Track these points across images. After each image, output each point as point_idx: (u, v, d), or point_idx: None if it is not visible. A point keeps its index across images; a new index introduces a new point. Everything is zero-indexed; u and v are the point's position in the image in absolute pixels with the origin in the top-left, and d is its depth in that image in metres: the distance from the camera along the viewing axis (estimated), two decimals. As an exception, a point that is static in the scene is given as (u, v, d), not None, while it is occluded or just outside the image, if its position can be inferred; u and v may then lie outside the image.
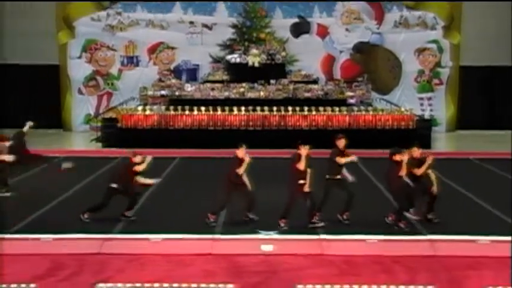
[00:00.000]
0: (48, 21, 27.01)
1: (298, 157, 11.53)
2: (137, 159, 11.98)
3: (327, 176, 12.06)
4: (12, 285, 6.80)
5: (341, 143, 12.18)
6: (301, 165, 11.46)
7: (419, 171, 11.92)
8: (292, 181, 11.68)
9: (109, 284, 7.05)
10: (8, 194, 13.97)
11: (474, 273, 9.52)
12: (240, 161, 11.82)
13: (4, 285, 6.81)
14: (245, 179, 11.91)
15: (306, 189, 11.55)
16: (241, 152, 11.86)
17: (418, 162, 12.04)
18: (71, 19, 27.47)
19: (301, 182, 11.51)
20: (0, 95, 27.95)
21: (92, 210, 11.99)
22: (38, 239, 10.90)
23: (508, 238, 10.93)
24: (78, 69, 27.71)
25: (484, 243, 10.87)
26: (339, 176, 12.04)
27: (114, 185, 11.91)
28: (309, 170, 11.53)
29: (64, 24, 27.40)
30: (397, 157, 11.66)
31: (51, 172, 17.34)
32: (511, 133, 24.67)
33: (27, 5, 27.26)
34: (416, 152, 12.19)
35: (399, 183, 11.67)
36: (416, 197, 12.06)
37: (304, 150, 11.51)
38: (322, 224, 11.73)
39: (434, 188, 12.01)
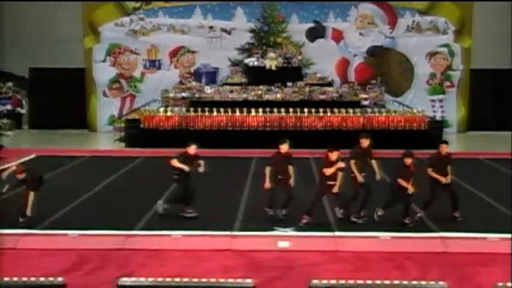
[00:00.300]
0: (75, 27, 27.45)
1: (327, 161, 11.60)
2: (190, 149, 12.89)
3: (352, 175, 12.17)
4: (41, 278, 7.22)
5: (364, 142, 12.36)
6: (328, 171, 11.48)
7: (432, 173, 11.99)
8: (320, 182, 11.83)
9: (132, 278, 7.29)
10: None
11: (485, 269, 9.60)
12: (285, 156, 12.01)
13: (33, 278, 7.21)
14: (291, 172, 12.00)
15: (335, 190, 11.64)
16: (285, 147, 12.04)
17: (443, 160, 12.11)
18: (96, 25, 27.92)
19: (330, 183, 11.60)
20: (30, 97, 28.50)
21: (177, 201, 12.48)
22: (65, 234, 11.12)
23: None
24: (102, 73, 28.11)
25: (494, 240, 10.93)
26: (363, 174, 12.20)
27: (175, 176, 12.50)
28: (340, 173, 11.57)
29: (90, 30, 27.83)
30: (408, 161, 11.81)
31: (75, 172, 17.83)
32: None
33: (57, 13, 27.89)
34: (445, 148, 12.23)
35: (400, 187, 11.80)
36: (437, 193, 12.17)
37: (333, 155, 11.54)
38: (363, 215, 12.04)
39: (448, 178, 12.05)
